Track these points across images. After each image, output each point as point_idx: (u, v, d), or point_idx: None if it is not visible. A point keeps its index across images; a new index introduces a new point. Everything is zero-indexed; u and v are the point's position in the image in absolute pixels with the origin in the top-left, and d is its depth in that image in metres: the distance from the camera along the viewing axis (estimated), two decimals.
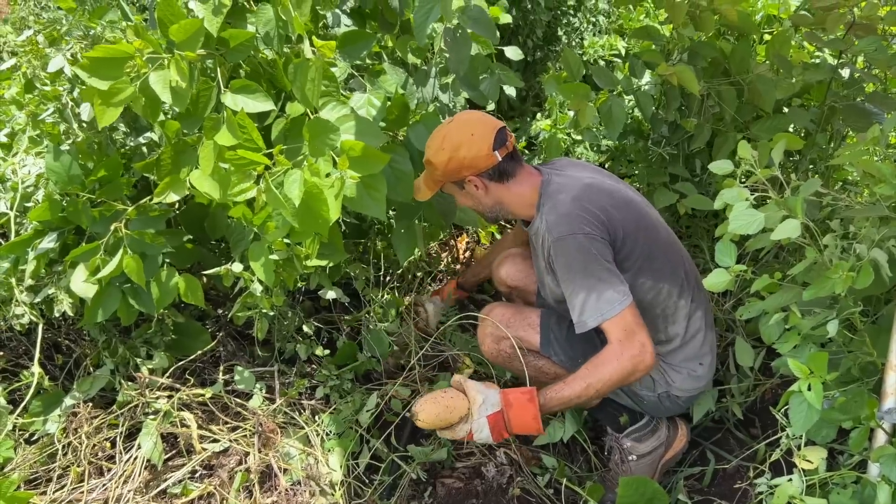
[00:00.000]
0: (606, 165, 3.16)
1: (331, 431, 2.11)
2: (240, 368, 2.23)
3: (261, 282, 1.91)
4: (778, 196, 1.46)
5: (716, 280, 1.53)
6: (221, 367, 2.27)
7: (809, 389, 1.34)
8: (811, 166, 2.54)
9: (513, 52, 2.44)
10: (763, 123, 2.39)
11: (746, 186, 1.48)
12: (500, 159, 1.94)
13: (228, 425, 2.07)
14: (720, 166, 1.53)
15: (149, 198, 1.97)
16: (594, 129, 2.95)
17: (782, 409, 1.47)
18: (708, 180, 2.66)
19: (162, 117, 1.89)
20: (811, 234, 1.46)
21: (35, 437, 2.06)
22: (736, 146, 1.54)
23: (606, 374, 1.83)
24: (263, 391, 2.19)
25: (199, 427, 2.02)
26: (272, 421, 2.06)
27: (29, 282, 1.98)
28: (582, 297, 1.83)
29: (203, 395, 2.09)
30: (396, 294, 2.64)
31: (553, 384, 1.92)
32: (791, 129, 2.47)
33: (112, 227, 1.92)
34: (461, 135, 1.92)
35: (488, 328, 2.14)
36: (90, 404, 2.09)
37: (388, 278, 2.71)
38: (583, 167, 2.12)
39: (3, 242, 2.08)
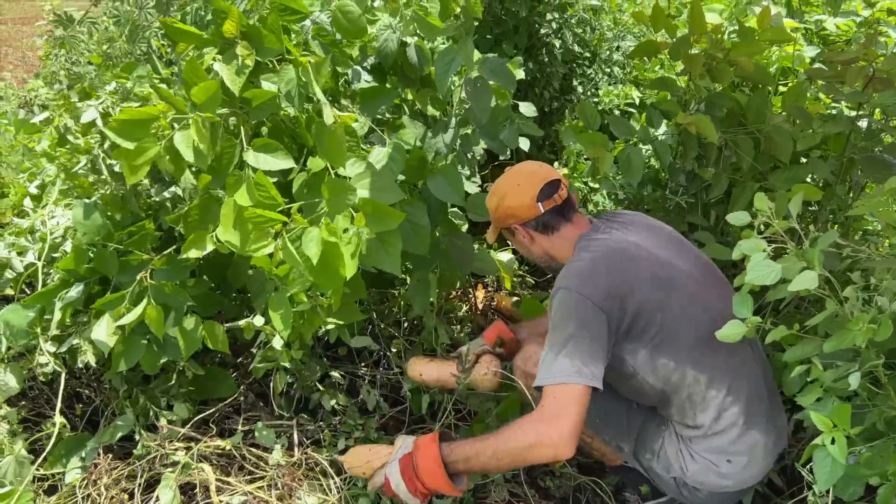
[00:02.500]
0: None
1: (354, 483, 2.09)
2: (259, 424, 2.22)
3: (282, 336, 1.93)
4: (796, 247, 1.46)
5: (730, 332, 1.53)
6: (241, 419, 2.27)
7: (833, 443, 1.31)
8: (831, 216, 2.53)
9: (527, 109, 2.48)
10: (781, 174, 2.39)
11: (764, 237, 1.48)
12: (542, 211, 1.97)
13: (248, 477, 2.06)
14: (738, 217, 1.54)
15: (174, 248, 2.01)
16: (612, 178, 2.97)
17: (807, 465, 1.44)
18: (727, 229, 2.65)
19: (189, 174, 1.95)
20: (831, 286, 1.45)
21: (55, 489, 2.06)
22: (753, 196, 1.55)
23: (510, 438, 1.73)
24: (286, 445, 2.18)
25: (218, 479, 2.01)
26: (293, 472, 2.05)
27: (55, 331, 2.01)
28: (545, 353, 1.78)
29: (223, 446, 2.09)
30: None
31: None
32: (809, 180, 2.47)
33: (137, 277, 1.96)
34: (509, 184, 2.02)
35: (521, 366, 2.12)
36: (110, 455, 2.09)
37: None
38: (639, 227, 2.02)
39: (29, 293, 2.12)
